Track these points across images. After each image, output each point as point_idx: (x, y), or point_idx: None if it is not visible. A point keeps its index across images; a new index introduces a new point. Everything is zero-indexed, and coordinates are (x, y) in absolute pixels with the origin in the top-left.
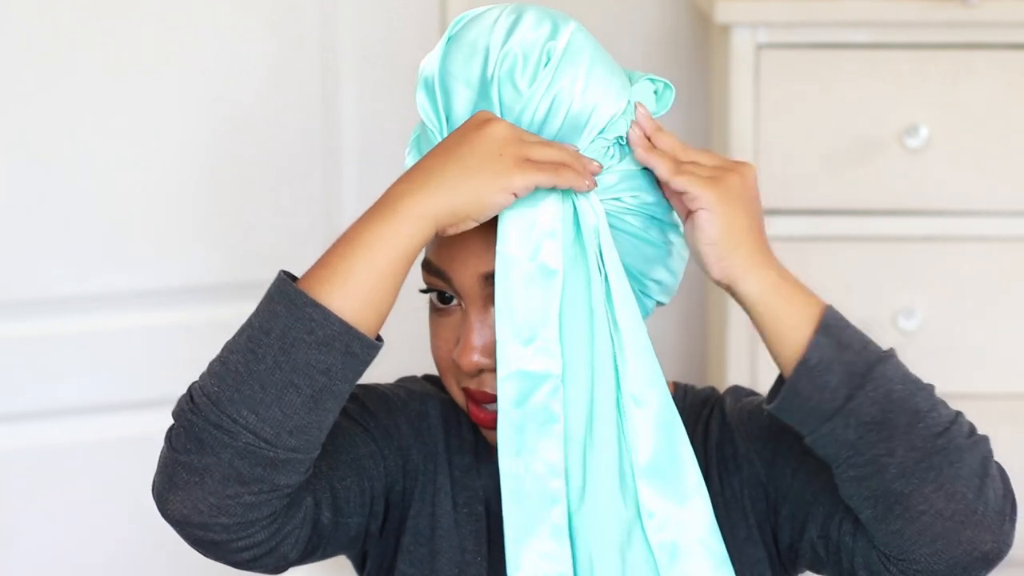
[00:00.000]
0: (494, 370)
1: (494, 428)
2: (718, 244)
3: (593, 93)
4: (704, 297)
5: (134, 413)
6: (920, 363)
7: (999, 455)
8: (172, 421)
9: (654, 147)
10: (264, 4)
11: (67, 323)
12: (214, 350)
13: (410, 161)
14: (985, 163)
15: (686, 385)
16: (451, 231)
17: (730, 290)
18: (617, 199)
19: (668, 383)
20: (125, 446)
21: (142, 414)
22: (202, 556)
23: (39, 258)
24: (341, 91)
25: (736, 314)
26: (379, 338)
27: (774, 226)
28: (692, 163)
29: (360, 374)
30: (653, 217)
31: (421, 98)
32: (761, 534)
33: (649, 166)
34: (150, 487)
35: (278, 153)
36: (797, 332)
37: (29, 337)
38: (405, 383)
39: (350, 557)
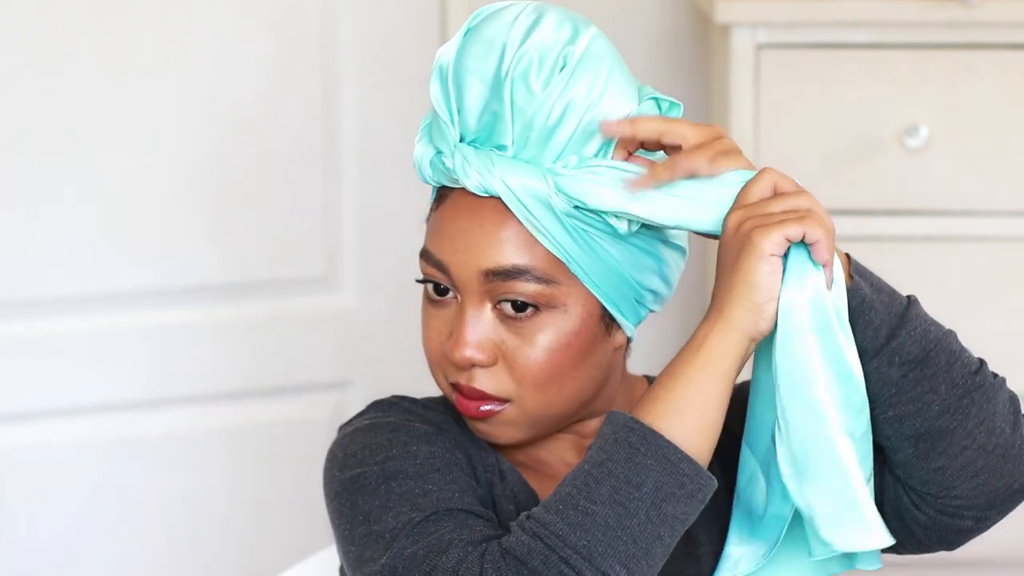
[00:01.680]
0: (486, 366)
1: (482, 419)
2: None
3: (608, 102)
4: (704, 297)
5: (136, 413)
6: None
7: None
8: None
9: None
10: (264, 4)
11: (67, 323)
12: (213, 349)
13: (421, 149)
14: (985, 163)
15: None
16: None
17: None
18: (625, 211)
19: (641, 377)
20: (125, 446)
21: (144, 414)
22: (204, 557)
23: (39, 258)
24: (341, 91)
25: None
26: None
27: None
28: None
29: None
30: (653, 228)
31: (435, 88)
32: None
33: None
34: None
35: (278, 152)
36: None
37: (29, 337)
38: (413, 421)
39: None
